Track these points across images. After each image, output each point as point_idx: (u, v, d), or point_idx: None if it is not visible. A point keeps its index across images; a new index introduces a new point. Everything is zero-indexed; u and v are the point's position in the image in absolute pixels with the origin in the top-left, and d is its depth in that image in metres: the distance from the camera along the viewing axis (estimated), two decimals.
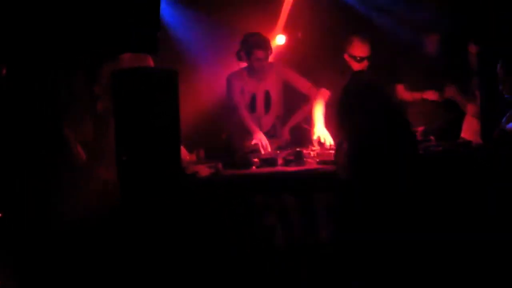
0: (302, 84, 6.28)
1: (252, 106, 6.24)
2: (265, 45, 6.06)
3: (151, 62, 5.97)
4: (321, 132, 5.82)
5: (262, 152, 5.80)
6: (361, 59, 6.06)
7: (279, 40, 7.21)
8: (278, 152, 5.71)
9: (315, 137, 5.84)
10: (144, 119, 4.82)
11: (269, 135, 6.20)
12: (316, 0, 7.27)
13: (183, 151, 5.46)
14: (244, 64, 6.21)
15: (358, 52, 6.06)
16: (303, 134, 6.34)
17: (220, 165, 5.37)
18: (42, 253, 5.02)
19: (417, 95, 6.57)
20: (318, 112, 5.96)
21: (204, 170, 5.31)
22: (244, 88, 6.21)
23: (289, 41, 7.25)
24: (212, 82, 6.73)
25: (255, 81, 6.21)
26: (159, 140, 4.85)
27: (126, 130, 4.85)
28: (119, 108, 4.88)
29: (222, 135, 6.62)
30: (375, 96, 4.33)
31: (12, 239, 4.99)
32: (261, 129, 6.18)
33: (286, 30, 7.26)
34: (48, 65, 5.16)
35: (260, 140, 5.91)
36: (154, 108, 4.83)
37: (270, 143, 5.98)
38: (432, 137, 5.95)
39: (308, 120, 6.29)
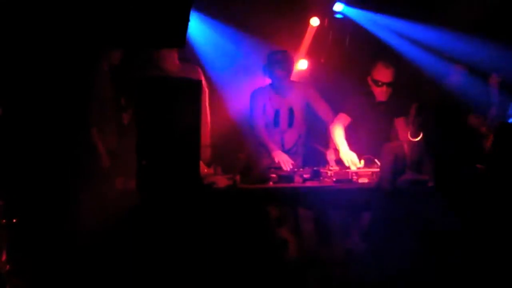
0: (322, 107, 6.32)
1: (275, 121, 6.27)
2: (285, 64, 6.13)
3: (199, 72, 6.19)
4: (348, 154, 5.84)
5: (284, 168, 5.81)
6: (382, 84, 6.06)
7: (302, 65, 7.30)
8: (296, 170, 5.73)
9: (344, 159, 5.84)
10: (165, 126, 4.91)
11: (291, 152, 6.23)
12: (340, 27, 7.33)
13: (201, 164, 5.50)
14: (268, 80, 6.27)
15: (380, 76, 6.07)
16: (319, 155, 6.36)
17: (238, 177, 5.41)
18: (59, 253, 5.06)
19: None
20: (340, 136, 5.99)
21: (221, 181, 5.36)
22: (267, 104, 6.26)
23: (311, 65, 7.31)
24: (234, 98, 6.77)
25: (279, 97, 6.27)
26: (179, 147, 4.94)
27: (147, 136, 4.93)
28: (142, 114, 4.96)
29: (240, 154, 6.64)
30: None
31: (31, 240, 5.03)
32: (284, 146, 6.24)
33: (309, 55, 7.33)
34: (79, 68, 5.27)
35: (280, 157, 5.94)
36: (175, 116, 4.93)
37: (292, 160, 6.00)
38: None
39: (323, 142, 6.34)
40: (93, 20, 3.89)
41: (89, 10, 3.87)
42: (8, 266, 4.43)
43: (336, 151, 5.99)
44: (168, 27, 3.95)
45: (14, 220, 4.87)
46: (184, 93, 4.99)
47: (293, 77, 6.43)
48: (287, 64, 6.15)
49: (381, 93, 6.09)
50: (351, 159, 5.76)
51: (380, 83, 6.08)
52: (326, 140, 6.29)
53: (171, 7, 3.88)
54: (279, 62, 6.09)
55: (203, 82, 6.36)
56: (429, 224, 4.71)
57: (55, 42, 4.40)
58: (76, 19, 3.89)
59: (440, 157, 4.77)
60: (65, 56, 5.14)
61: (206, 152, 6.33)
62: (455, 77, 6.63)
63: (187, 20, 3.94)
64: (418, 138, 5.29)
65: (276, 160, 5.94)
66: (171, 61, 6.12)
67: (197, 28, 6.70)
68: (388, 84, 6.08)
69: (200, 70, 6.38)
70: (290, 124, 6.32)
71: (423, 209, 4.66)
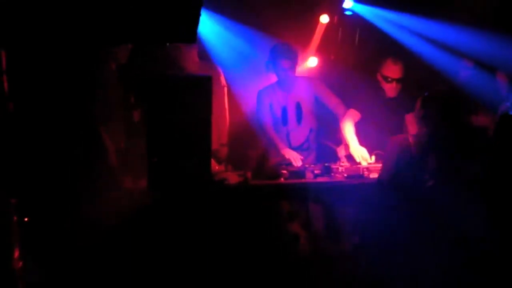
0: (331, 100, 6.30)
1: (284, 119, 6.25)
2: (290, 55, 6.11)
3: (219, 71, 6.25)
4: (358, 149, 5.85)
5: (295, 164, 5.83)
6: (392, 80, 6.08)
7: (311, 62, 7.30)
8: (307, 166, 5.74)
9: (355, 155, 5.85)
10: (175, 123, 4.93)
11: (302, 148, 6.23)
12: (350, 24, 7.34)
13: (212, 162, 5.51)
14: (275, 78, 6.26)
15: (389, 72, 6.09)
16: (330, 151, 6.36)
17: (249, 174, 5.43)
18: (69, 251, 5.08)
19: None
20: (350, 132, 6.00)
21: (233, 178, 5.39)
22: (274, 102, 6.24)
23: (321, 62, 7.31)
24: (245, 96, 6.78)
25: (285, 94, 6.25)
26: (189, 144, 4.95)
27: (157, 133, 4.95)
28: (152, 112, 4.98)
29: (251, 152, 6.66)
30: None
31: (42, 237, 5.06)
32: (294, 143, 6.23)
33: (319, 52, 7.33)
34: (86, 67, 5.29)
35: (290, 154, 5.95)
36: (186, 112, 4.94)
37: (304, 157, 6.02)
38: None
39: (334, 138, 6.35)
40: (102, 15, 3.89)
41: (97, 5, 3.88)
42: (21, 263, 4.44)
43: (347, 147, 5.98)
44: (179, 22, 3.95)
45: (26, 219, 4.89)
46: (194, 90, 5.00)
47: (303, 74, 6.43)
48: (291, 54, 6.12)
49: (391, 89, 6.11)
50: (361, 154, 5.77)
51: (389, 79, 6.10)
52: (337, 136, 6.28)
53: (182, 2, 3.88)
54: (283, 53, 6.07)
55: (223, 79, 6.40)
56: (429, 219, 4.69)
57: (62, 40, 4.40)
58: (83, 15, 3.89)
59: (442, 153, 4.74)
60: (72, 55, 5.16)
61: (223, 150, 6.36)
62: (465, 73, 6.63)
63: (198, 15, 3.94)
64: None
65: (287, 157, 5.94)
66: (191, 59, 6.15)
67: (209, 26, 6.72)
68: (398, 80, 6.10)
69: (219, 68, 6.40)
70: (299, 120, 6.28)
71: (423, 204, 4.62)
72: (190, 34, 3.99)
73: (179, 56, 6.11)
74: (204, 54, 6.48)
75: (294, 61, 6.14)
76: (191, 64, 6.13)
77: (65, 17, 3.91)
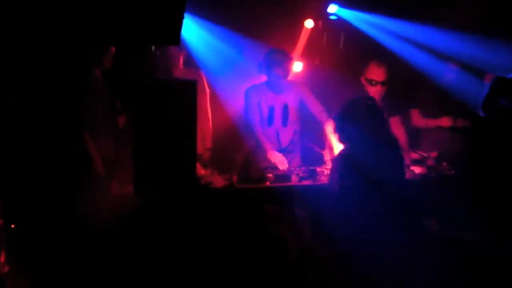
0: (316, 107, 6.31)
1: (270, 119, 6.26)
2: (286, 63, 6.13)
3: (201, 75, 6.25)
4: None
5: (280, 168, 5.84)
6: (376, 83, 6.11)
7: (296, 67, 7.31)
8: (292, 169, 5.75)
9: None
10: (161, 128, 4.95)
11: (287, 150, 6.24)
12: (334, 28, 7.39)
13: (198, 166, 5.52)
14: (263, 78, 6.28)
15: (373, 75, 6.13)
16: (314, 154, 6.38)
17: (234, 178, 5.44)
18: (56, 256, 5.08)
19: (431, 122, 6.60)
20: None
21: (218, 182, 5.39)
22: (262, 101, 6.25)
23: (306, 67, 7.34)
24: (231, 100, 6.80)
25: (273, 95, 6.25)
26: (175, 148, 4.96)
27: (143, 138, 4.96)
28: (137, 117, 5.00)
29: (237, 156, 6.67)
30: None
31: (29, 242, 5.06)
32: (280, 144, 6.24)
33: (304, 56, 7.37)
34: (71, 73, 5.29)
35: (276, 158, 5.96)
36: (171, 117, 4.96)
37: (289, 159, 6.03)
38: (444, 163, 6.00)
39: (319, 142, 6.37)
40: (86, 19, 3.91)
41: (81, 10, 3.89)
42: (7, 267, 4.45)
43: (332, 150, 6.00)
44: (163, 24, 3.98)
45: (12, 226, 4.90)
46: (179, 94, 5.02)
47: (290, 79, 6.46)
48: (286, 63, 6.14)
49: (376, 92, 6.13)
50: None
51: (374, 82, 6.13)
52: (322, 140, 6.31)
53: (165, 5, 3.91)
54: (278, 61, 6.09)
55: (205, 84, 6.43)
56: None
57: (46, 46, 4.41)
58: (68, 19, 3.90)
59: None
60: (57, 60, 5.16)
61: (207, 155, 6.39)
62: (450, 76, 6.68)
63: (182, 18, 3.97)
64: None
65: (273, 161, 5.95)
66: (176, 65, 6.19)
67: (194, 31, 6.75)
68: (382, 83, 6.14)
69: (202, 74, 6.42)
70: (285, 121, 6.28)
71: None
72: (174, 36, 4.01)
73: (164, 62, 6.13)
74: (189, 60, 6.50)
75: (287, 68, 6.17)
76: (176, 70, 6.16)
77: (51, 21, 3.92)
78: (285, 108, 6.22)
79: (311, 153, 6.48)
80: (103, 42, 4.51)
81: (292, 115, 6.27)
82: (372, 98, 5.03)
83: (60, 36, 3.99)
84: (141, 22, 3.96)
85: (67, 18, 3.91)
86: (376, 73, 6.14)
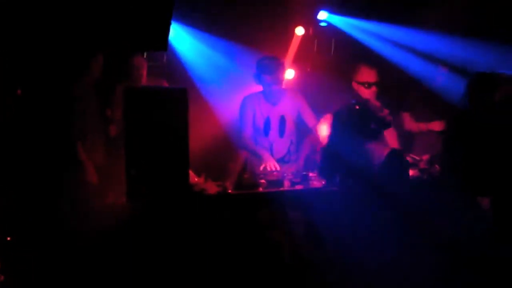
0: (310, 118, 6.34)
1: (265, 130, 6.28)
2: (273, 69, 6.13)
3: (165, 84, 6.21)
4: None
5: (268, 168, 5.92)
6: (369, 85, 6.15)
7: (288, 74, 7.35)
8: (285, 174, 5.77)
9: None
10: (153, 135, 4.96)
11: (284, 161, 6.27)
12: (325, 35, 7.43)
13: (191, 174, 5.53)
14: (260, 87, 6.30)
15: (365, 78, 6.17)
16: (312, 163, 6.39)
17: (228, 184, 5.45)
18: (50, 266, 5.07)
19: (423, 126, 6.63)
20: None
21: (212, 188, 5.40)
22: (257, 112, 6.27)
23: (298, 74, 7.38)
24: (224, 108, 6.83)
25: (270, 105, 6.27)
26: (168, 155, 4.97)
27: (136, 145, 4.97)
28: (130, 124, 5.01)
29: (230, 164, 6.67)
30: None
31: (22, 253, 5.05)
32: (274, 154, 6.27)
33: (295, 64, 7.40)
34: (61, 82, 5.30)
35: (268, 160, 5.98)
36: (163, 124, 4.97)
37: (285, 169, 6.05)
38: (437, 166, 6.03)
39: (314, 149, 6.37)
40: (75, 26, 3.92)
41: (70, 14, 3.91)
42: (2, 277, 4.45)
43: None
44: (150, 29, 4.00)
45: (8, 239, 4.90)
46: (171, 102, 5.04)
47: (285, 87, 6.48)
48: (276, 69, 6.14)
49: (370, 94, 6.17)
50: None
51: (366, 85, 6.16)
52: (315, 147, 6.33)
53: (153, 11, 3.93)
54: (267, 68, 6.10)
55: None
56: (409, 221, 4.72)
57: (36, 55, 4.42)
58: (57, 26, 3.92)
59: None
60: (47, 70, 5.17)
61: None
62: (440, 79, 6.71)
63: (169, 22, 3.99)
64: None
65: (264, 163, 5.96)
66: (141, 75, 6.14)
67: (185, 40, 6.78)
68: (375, 84, 6.16)
69: (166, 83, 6.38)
70: (281, 133, 6.32)
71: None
72: (161, 41, 4.03)
73: (131, 71, 6.09)
74: (153, 70, 6.45)
75: (277, 75, 6.16)
76: (141, 80, 6.11)
77: (38, 28, 3.93)
78: (282, 120, 6.25)
79: (308, 161, 6.50)
80: (91, 48, 4.51)
81: (290, 126, 6.29)
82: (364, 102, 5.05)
83: (49, 42, 4.00)
84: (128, 27, 3.98)
85: (56, 25, 3.92)
86: (367, 75, 6.19)
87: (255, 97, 6.31)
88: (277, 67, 6.15)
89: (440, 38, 6.76)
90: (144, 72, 6.20)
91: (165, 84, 6.38)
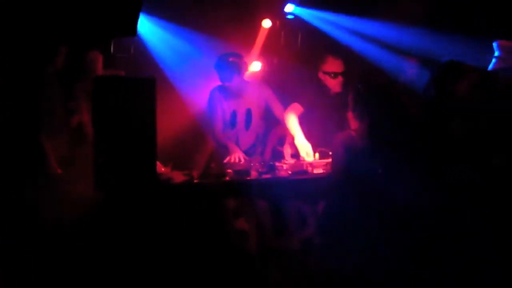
0: (278, 108, 6.40)
1: (232, 123, 6.33)
2: (235, 66, 6.22)
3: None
4: (304, 144, 5.96)
5: (233, 160, 5.96)
6: (336, 75, 6.19)
7: (255, 66, 7.39)
8: (252, 164, 5.81)
9: (300, 149, 5.95)
10: (121, 124, 4.97)
11: (250, 153, 6.32)
12: (292, 27, 7.47)
13: (158, 163, 5.54)
14: None
15: (332, 68, 6.20)
16: (278, 154, 6.44)
17: (195, 173, 5.48)
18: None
19: None
20: (294, 124, 6.09)
21: (178, 177, 5.41)
22: (224, 104, 6.32)
23: (265, 66, 7.42)
24: (190, 97, 6.83)
25: (236, 98, 6.32)
26: (135, 144, 4.99)
27: (103, 134, 4.98)
28: (97, 113, 5.01)
29: (197, 154, 6.69)
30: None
31: None
32: (241, 147, 6.32)
33: (262, 56, 7.44)
34: (25, 73, 5.27)
35: (235, 154, 6.02)
36: (131, 113, 4.99)
37: (252, 159, 6.07)
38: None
39: (281, 141, 6.43)
40: (41, 16, 3.91)
41: (38, 7, 3.89)
42: None
43: (292, 145, 6.07)
44: (120, 16, 3.99)
45: None
46: (138, 91, 5.05)
47: (247, 78, 6.52)
48: (236, 66, 6.23)
49: (336, 84, 6.21)
50: (306, 150, 5.86)
51: (333, 74, 6.20)
52: (280, 136, 6.38)
53: None
54: (223, 64, 6.18)
55: None
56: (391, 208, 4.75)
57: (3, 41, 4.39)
58: (24, 16, 3.90)
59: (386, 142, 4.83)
60: (11, 61, 5.14)
61: None
62: (410, 72, 6.77)
63: (139, 9, 3.99)
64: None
65: (228, 158, 6.01)
66: (96, 67, 6.11)
67: (151, 30, 6.77)
68: (342, 74, 6.21)
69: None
70: (247, 125, 6.38)
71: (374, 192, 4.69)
72: (131, 27, 4.03)
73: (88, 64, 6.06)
74: (108, 63, 6.43)
75: (239, 71, 6.25)
76: (96, 72, 6.07)
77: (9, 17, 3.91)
78: (248, 112, 6.31)
79: (274, 153, 6.55)
80: (59, 38, 4.49)
81: (256, 119, 6.34)
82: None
83: (15, 33, 3.98)
84: (96, 14, 3.97)
85: (23, 15, 3.91)
86: (334, 65, 6.22)
87: (222, 90, 6.36)
88: (236, 63, 6.24)
89: (405, 30, 6.82)
90: (100, 66, 6.18)
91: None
